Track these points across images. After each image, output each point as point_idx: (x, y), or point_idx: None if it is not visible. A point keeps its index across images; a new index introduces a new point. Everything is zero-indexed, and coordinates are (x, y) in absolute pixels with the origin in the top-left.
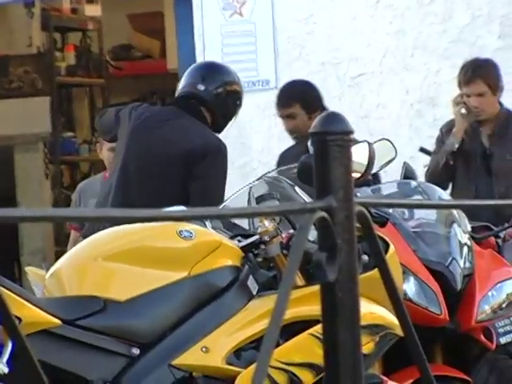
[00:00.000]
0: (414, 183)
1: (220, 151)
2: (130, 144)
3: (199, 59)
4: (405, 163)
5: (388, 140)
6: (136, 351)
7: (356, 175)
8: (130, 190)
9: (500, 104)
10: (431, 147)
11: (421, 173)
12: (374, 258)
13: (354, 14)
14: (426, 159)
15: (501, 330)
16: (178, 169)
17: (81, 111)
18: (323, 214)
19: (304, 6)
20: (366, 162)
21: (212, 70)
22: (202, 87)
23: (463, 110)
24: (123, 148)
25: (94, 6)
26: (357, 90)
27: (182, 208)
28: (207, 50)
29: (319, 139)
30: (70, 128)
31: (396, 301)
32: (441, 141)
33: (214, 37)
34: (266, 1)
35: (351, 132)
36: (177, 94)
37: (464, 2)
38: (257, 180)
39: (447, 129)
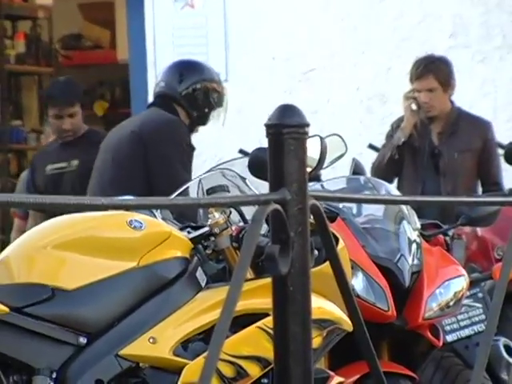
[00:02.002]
0: (363, 179)
1: (170, 131)
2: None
3: (150, 51)
4: (354, 159)
5: (339, 135)
6: (83, 340)
7: (307, 170)
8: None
9: (451, 102)
10: (380, 144)
11: (369, 169)
12: (326, 252)
13: (305, 8)
14: (375, 156)
15: (447, 328)
16: (134, 155)
17: (29, 100)
18: (277, 206)
19: (256, 0)
20: (317, 157)
21: (182, 68)
22: (162, 84)
23: (413, 106)
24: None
25: None
26: (307, 85)
27: (131, 197)
28: (158, 42)
29: (274, 131)
30: (19, 116)
31: (347, 295)
32: (390, 136)
33: (165, 29)
34: None
35: (307, 125)
36: None
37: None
38: (207, 172)
39: (397, 125)
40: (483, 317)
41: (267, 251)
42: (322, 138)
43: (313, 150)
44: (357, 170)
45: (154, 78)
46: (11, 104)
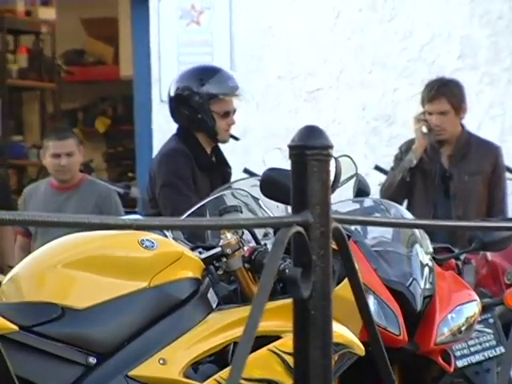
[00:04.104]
0: (374, 200)
1: (158, 165)
2: None
3: (154, 67)
4: (358, 175)
5: (348, 156)
6: (93, 360)
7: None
8: None
9: (462, 126)
10: (386, 166)
11: (374, 191)
12: (348, 277)
13: (312, 27)
14: (381, 178)
15: (458, 354)
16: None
17: (31, 115)
18: (299, 228)
19: (263, 18)
20: (331, 178)
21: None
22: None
23: (424, 129)
24: None
25: (48, 9)
26: (313, 104)
27: (139, 217)
28: (163, 59)
29: (298, 153)
30: (20, 132)
31: (368, 320)
32: (399, 159)
33: (170, 45)
34: (224, 11)
35: (330, 147)
36: None
37: (425, 20)
38: (220, 191)
39: (406, 147)
40: (494, 342)
41: (289, 274)
42: (336, 159)
43: None
44: (361, 186)
45: (159, 94)
46: (12, 119)
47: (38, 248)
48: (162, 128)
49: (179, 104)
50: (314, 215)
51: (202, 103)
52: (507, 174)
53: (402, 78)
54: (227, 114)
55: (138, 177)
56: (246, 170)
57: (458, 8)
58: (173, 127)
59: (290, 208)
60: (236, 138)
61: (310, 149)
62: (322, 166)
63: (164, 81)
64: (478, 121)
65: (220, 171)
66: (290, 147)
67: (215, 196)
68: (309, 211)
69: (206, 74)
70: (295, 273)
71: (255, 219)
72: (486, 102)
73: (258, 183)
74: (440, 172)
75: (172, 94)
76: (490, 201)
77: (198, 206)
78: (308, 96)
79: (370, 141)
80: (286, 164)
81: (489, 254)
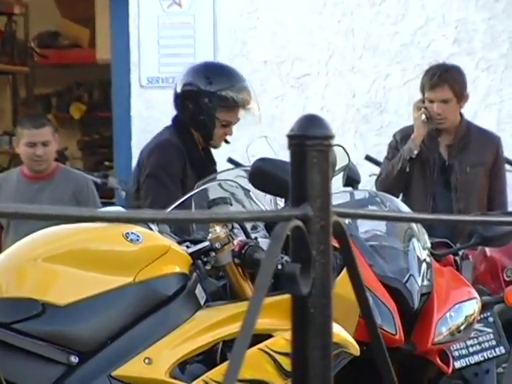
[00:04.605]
0: (369, 192)
1: (148, 155)
2: None
3: (133, 51)
4: (349, 162)
5: (341, 146)
6: (75, 359)
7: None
8: None
9: (461, 115)
10: (376, 155)
11: (365, 182)
12: (349, 273)
13: (300, 10)
14: (372, 168)
15: (456, 354)
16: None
17: (2, 101)
18: (299, 222)
19: (248, 0)
20: None
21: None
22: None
23: (423, 117)
24: None
25: None
26: (300, 91)
27: (121, 209)
28: (142, 42)
29: (297, 143)
30: None
31: (368, 317)
32: (395, 148)
33: (150, 28)
34: None
35: (331, 137)
36: None
37: (418, 2)
38: (207, 182)
39: (401, 136)
40: (494, 343)
41: (288, 270)
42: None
43: None
44: (351, 174)
45: (138, 79)
46: None
47: (9, 242)
48: (142, 115)
49: (186, 98)
50: (313, 208)
51: (210, 107)
52: (506, 166)
53: (394, 63)
54: (229, 124)
55: (116, 166)
56: (230, 160)
57: None
58: (153, 114)
59: (279, 200)
60: (227, 142)
61: (311, 139)
62: (322, 157)
63: (143, 65)
64: (473, 109)
65: (208, 170)
66: (289, 137)
67: (202, 188)
68: (308, 204)
69: (228, 78)
70: (294, 269)
71: (250, 213)
72: (483, 90)
73: (245, 174)
74: (439, 163)
75: (181, 86)
76: (491, 193)
77: (185, 198)
78: (295, 82)
79: (360, 129)
80: (272, 153)
81: (488, 250)
